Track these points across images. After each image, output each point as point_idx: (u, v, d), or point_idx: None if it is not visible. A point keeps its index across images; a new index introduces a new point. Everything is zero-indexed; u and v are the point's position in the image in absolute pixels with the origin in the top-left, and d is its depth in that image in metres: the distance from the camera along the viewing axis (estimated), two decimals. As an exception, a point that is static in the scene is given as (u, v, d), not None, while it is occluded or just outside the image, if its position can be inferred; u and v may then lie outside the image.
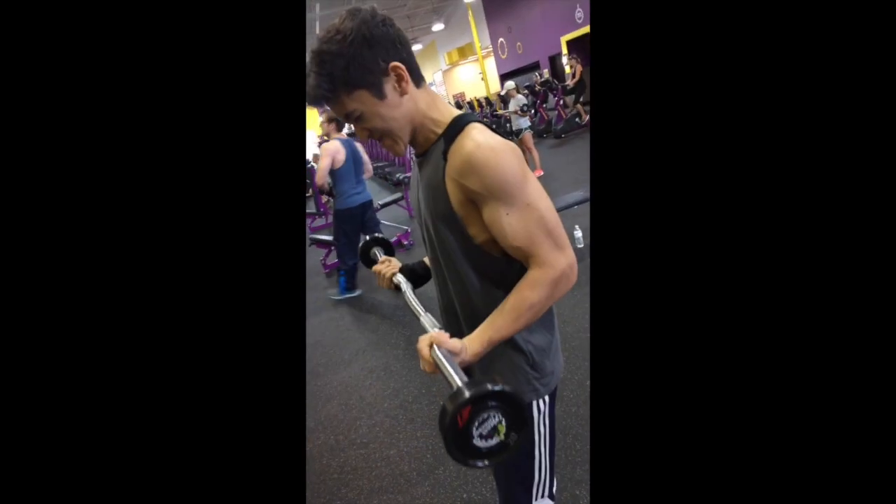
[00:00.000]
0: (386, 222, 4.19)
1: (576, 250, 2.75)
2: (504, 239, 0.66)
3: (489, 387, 0.53)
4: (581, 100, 7.04)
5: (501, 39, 12.15)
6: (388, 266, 0.92)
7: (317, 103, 0.66)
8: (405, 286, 0.86)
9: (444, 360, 0.61)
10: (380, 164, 7.45)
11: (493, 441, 0.54)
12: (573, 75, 7.09)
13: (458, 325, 0.80)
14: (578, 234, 2.82)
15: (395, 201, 4.46)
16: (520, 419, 0.55)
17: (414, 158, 0.78)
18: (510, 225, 0.64)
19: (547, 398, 0.79)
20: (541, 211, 0.65)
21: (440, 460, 1.55)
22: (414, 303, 0.81)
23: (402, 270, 0.90)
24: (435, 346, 0.62)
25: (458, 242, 0.71)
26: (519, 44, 11.36)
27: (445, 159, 0.66)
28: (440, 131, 0.69)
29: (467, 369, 0.88)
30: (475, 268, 0.72)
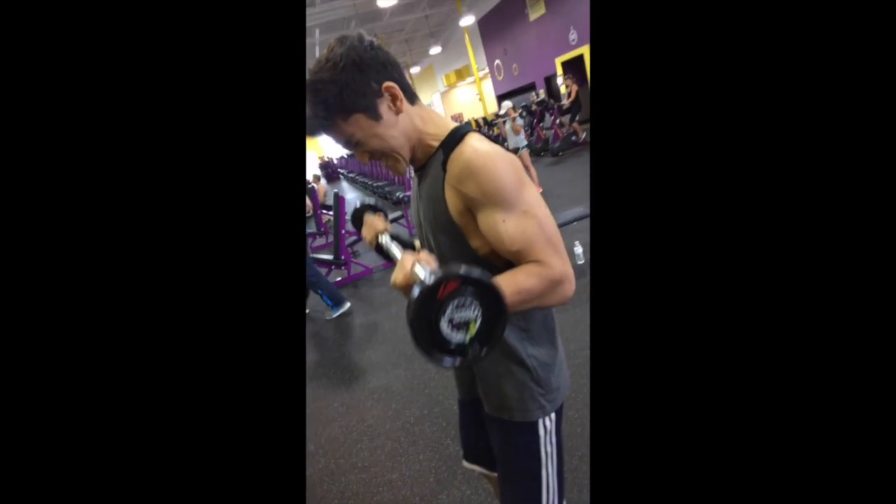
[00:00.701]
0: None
1: (576, 267, 2.74)
2: (501, 244, 0.64)
3: (485, 277, 0.52)
4: (577, 118, 7.13)
5: (497, 61, 12.40)
6: (381, 221, 0.89)
7: (315, 132, 0.66)
8: (386, 240, 0.83)
9: (417, 268, 0.56)
10: (380, 184, 7.51)
11: (458, 336, 0.52)
12: (569, 95, 7.20)
13: None
14: (579, 249, 2.81)
15: (395, 220, 4.47)
16: (493, 328, 0.53)
17: (413, 174, 0.78)
18: (507, 231, 0.63)
19: (553, 416, 0.77)
20: (538, 218, 0.64)
21: (443, 485, 1.51)
22: (393, 248, 0.77)
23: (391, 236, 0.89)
24: (416, 264, 0.59)
25: (460, 254, 0.70)
26: (515, 65, 11.59)
27: (445, 170, 0.66)
28: (437, 144, 0.69)
29: (472, 381, 0.85)
30: None
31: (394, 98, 0.66)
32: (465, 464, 0.98)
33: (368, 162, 0.72)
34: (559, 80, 8.79)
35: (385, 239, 0.84)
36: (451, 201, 0.66)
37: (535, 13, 10.03)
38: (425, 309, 0.51)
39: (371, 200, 0.98)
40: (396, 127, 0.67)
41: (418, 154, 0.71)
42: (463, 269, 0.52)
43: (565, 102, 7.32)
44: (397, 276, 0.60)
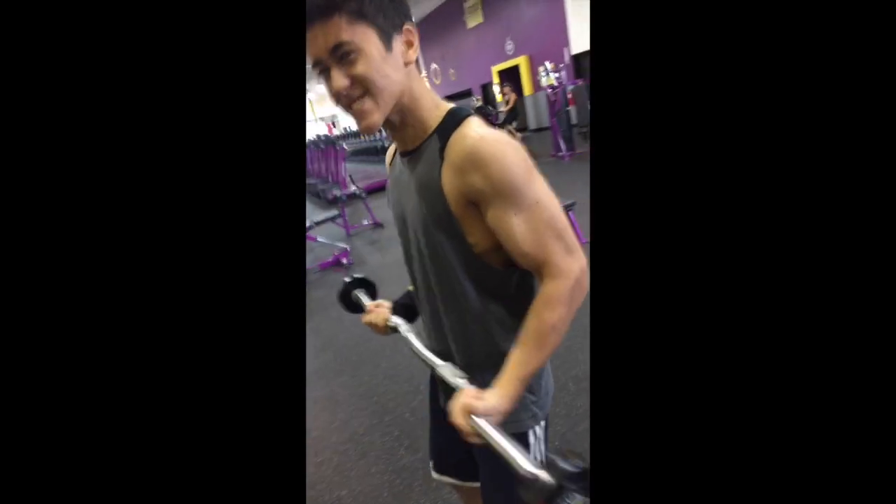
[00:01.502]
0: (322, 240, 3.98)
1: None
2: (514, 245, 0.59)
3: (570, 468, 0.48)
4: (514, 125, 7.35)
5: (434, 66, 12.50)
6: (378, 313, 0.82)
7: (317, 9, 0.53)
8: (405, 329, 0.77)
9: (491, 432, 0.54)
10: (312, 181, 7.15)
11: None
12: (507, 103, 7.39)
13: (445, 343, 0.72)
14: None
15: (330, 219, 4.25)
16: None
17: (399, 157, 0.69)
18: (519, 226, 0.58)
19: (543, 423, 0.74)
20: (550, 210, 0.59)
21: (399, 498, 1.42)
22: (423, 351, 0.71)
23: (394, 311, 0.81)
24: (473, 417, 0.56)
25: (456, 252, 0.63)
26: (452, 70, 11.74)
27: (442, 157, 0.59)
28: (434, 125, 0.61)
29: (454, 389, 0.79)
30: (473, 281, 0.65)
31: (409, 44, 0.59)
32: (435, 475, 0.92)
33: (344, 91, 0.56)
34: (496, 90, 9.02)
35: (395, 321, 0.79)
36: (451, 193, 0.59)
37: (473, 21, 10.24)
38: None
39: (359, 274, 0.91)
40: (398, 73, 0.58)
41: (408, 128, 0.62)
42: (553, 480, 0.48)
43: (503, 111, 7.50)
44: (461, 424, 0.57)
